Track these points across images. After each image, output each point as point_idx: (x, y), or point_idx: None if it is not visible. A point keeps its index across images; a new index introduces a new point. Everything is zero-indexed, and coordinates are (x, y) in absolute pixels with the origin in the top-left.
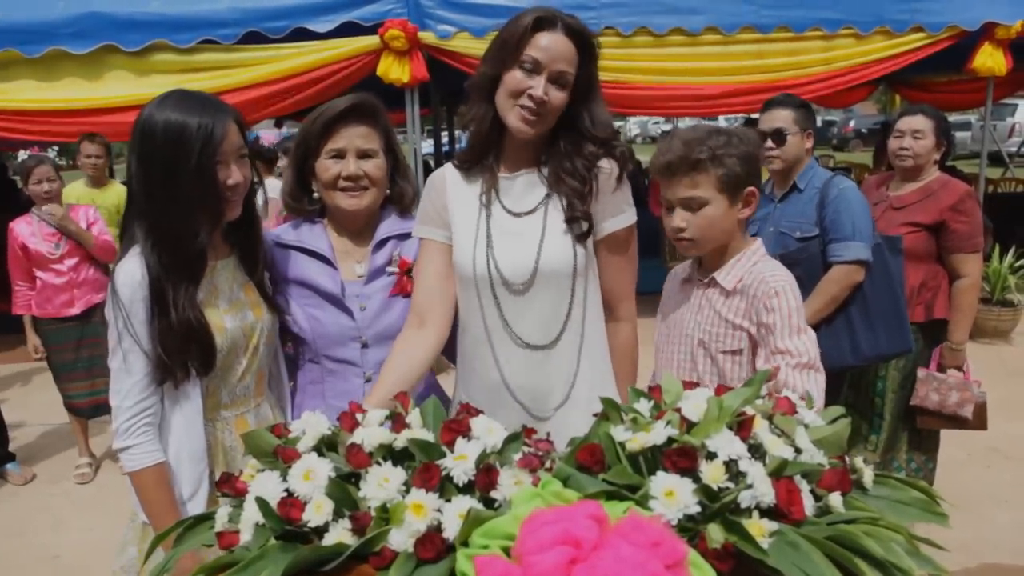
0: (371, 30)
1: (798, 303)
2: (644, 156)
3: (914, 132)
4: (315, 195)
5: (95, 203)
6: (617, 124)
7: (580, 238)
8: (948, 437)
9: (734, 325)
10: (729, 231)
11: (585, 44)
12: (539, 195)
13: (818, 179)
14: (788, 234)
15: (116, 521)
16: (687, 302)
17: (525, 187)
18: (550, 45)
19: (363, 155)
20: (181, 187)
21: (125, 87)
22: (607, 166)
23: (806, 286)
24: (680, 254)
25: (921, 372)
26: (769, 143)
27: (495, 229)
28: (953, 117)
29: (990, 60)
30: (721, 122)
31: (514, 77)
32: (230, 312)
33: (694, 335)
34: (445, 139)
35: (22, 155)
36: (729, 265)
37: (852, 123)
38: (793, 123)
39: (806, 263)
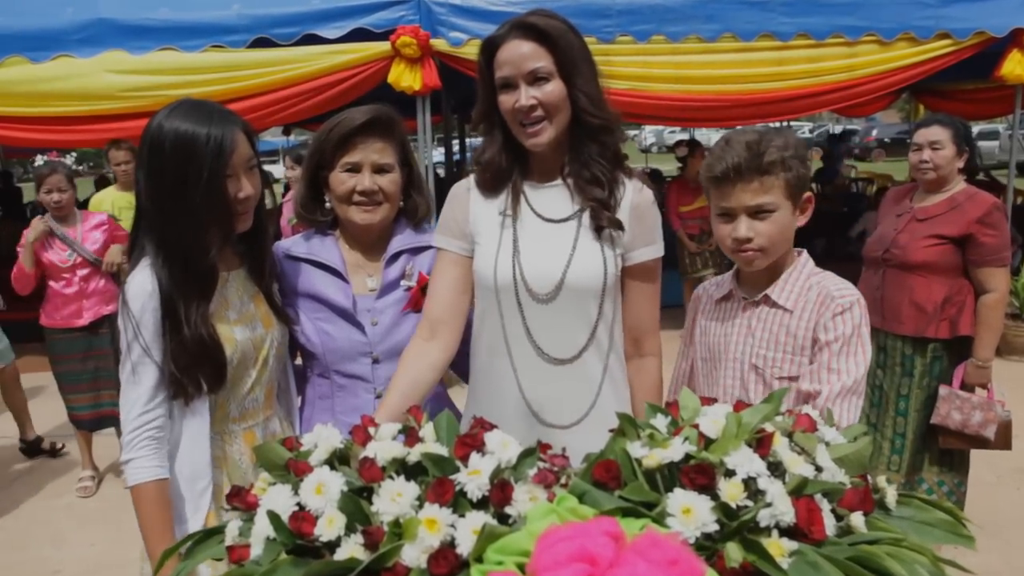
0: (382, 37)
1: (864, 320)
2: (661, 164)
3: (932, 143)
4: (327, 206)
5: (131, 205)
6: (632, 133)
7: (612, 252)
8: (976, 458)
9: (796, 348)
10: (790, 242)
11: (544, 33)
12: (574, 206)
13: None
14: None
15: (118, 536)
16: (730, 323)
17: (558, 196)
18: (508, 56)
19: (378, 170)
20: (191, 202)
21: (132, 93)
22: (643, 193)
23: None
24: (698, 267)
25: (943, 390)
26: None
27: (524, 235)
28: (980, 126)
29: (1019, 67)
30: None
31: (502, 102)
32: (240, 324)
33: (744, 359)
34: (456, 147)
35: (39, 160)
36: (782, 281)
37: (875, 132)
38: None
39: None
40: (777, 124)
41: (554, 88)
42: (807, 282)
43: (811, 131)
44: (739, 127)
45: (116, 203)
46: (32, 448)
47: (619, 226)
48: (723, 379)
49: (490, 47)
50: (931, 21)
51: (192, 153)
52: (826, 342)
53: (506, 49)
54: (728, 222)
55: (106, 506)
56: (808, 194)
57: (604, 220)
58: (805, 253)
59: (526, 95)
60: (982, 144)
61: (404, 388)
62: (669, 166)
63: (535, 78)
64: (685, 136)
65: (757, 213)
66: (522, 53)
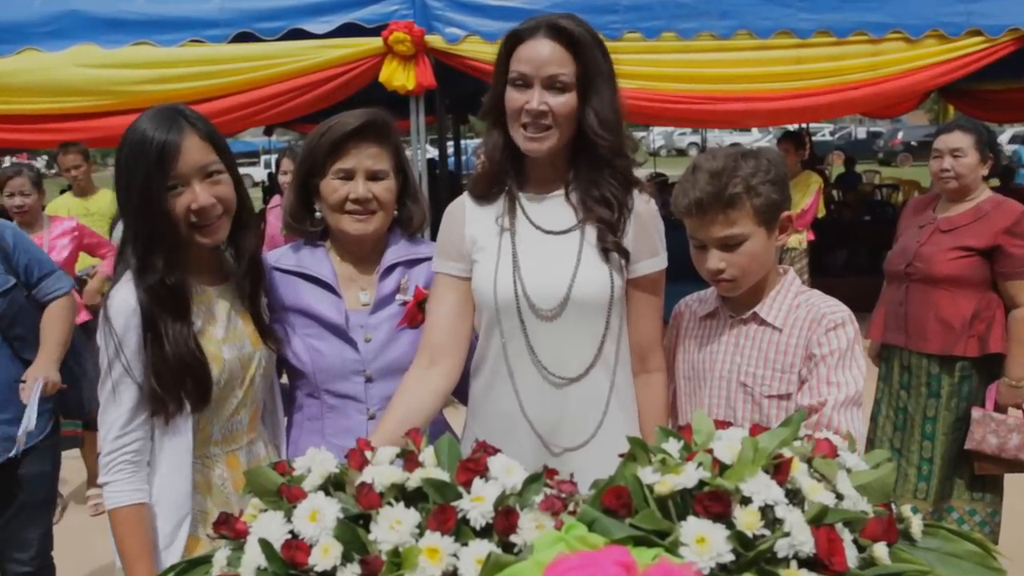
0: (374, 32)
1: (857, 336)
2: (670, 169)
3: (953, 151)
4: (318, 215)
5: (88, 212)
6: (640, 135)
7: (617, 267)
8: (1009, 486)
9: (786, 367)
10: (770, 263)
11: (574, 41)
12: (574, 216)
13: None
14: None
15: (81, 570)
16: (716, 340)
17: (557, 207)
18: (533, 54)
19: (373, 176)
20: (134, 216)
21: (104, 91)
22: (649, 204)
23: None
24: None
25: (977, 412)
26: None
27: (523, 250)
28: (1015, 129)
29: None
30: (755, 135)
31: (510, 97)
32: (228, 342)
33: (731, 377)
34: (451, 150)
35: (7, 162)
36: (770, 299)
37: (900, 135)
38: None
39: None
40: (795, 127)
41: (568, 100)
42: (795, 300)
43: (832, 133)
44: (711, 148)
45: (72, 210)
46: None
47: (624, 253)
48: (707, 397)
49: (514, 39)
50: (961, 17)
51: (136, 161)
52: (821, 356)
53: (531, 46)
54: (702, 252)
55: (69, 536)
56: (786, 213)
57: (610, 244)
58: (792, 271)
59: (539, 98)
60: (1017, 148)
61: (402, 414)
62: (678, 170)
63: (552, 84)
64: (696, 138)
65: (727, 245)
66: (547, 55)
